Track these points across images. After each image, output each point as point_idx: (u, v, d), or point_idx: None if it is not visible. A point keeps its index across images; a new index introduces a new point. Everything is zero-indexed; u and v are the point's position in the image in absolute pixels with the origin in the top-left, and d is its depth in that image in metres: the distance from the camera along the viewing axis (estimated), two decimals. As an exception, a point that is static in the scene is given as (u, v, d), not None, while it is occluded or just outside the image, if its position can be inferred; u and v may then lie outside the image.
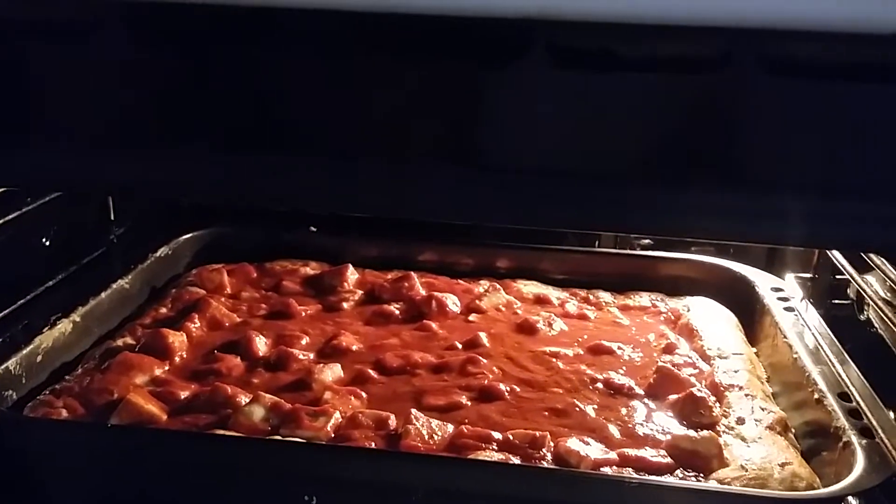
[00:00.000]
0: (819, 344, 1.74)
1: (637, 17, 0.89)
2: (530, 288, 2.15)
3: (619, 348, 1.86)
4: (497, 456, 1.44)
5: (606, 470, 1.42)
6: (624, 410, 1.62)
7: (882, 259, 1.73)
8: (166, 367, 1.74)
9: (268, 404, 1.55)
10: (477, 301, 2.05)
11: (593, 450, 1.46)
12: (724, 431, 1.54)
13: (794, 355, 1.72)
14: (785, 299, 1.97)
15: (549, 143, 1.00)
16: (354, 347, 1.84)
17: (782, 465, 1.42)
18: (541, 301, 2.10)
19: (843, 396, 1.54)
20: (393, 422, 1.53)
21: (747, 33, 0.89)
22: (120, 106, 1.08)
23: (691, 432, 1.51)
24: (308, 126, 1.04)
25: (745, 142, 0.98)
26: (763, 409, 1.60)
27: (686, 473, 1.43)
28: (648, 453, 1.47)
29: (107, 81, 1.06)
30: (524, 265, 2.25)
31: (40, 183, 1.66)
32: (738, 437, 1.52)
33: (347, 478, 1.36)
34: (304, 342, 1.86)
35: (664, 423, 1.58)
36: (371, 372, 1.73)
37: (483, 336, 1.88)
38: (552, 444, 1.47)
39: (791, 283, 2.06)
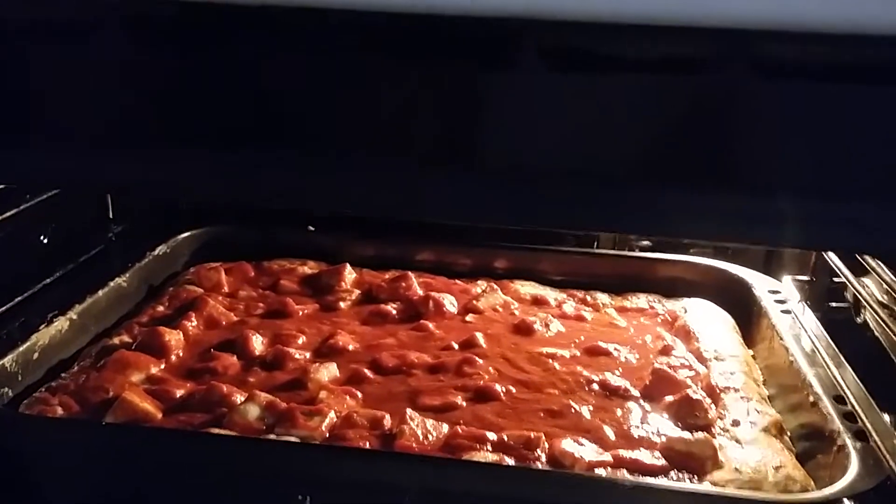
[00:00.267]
0: (815, 347, 1.74)
1: (636, 18, 0.89)
2: (528, 289, 2.15)
3: (616, 350, 1.86)
4: (491, 457, 1.43)
5: (601, 471, 1.42)
6: (619, 412, 1.62)
7: (878, 262, 1.73)
8: (162, 366, 1.74)
9: (263, 403, 1.55)
10: (474, 301, 2.05)
11: (588, 451, 1.46)
12: (719, 433, 1.54)
13: (791, 358, 1.72)
14: (782, 302, 1.97)
15: (547, 144, 1.00)
16: (351, 347, 1.84)
17: (777, 468, 1.42)
18: (538, 302, 2.10)
19: (839, 399, 1.54)
20: (388, 422, 1.53)
21: (744, 35, 0.89)
22: (119, 105, 1.08)
23: (686, 434, 1.51)
24: (306, 126, 1.04)
25: (742, 144, 0.98)
26: (758, 412, 1.60)
27: (680, 475, 1.42)
28: (643, 455, 1.46)
29: (106, 81, 1.06)
30: (522, 266, 2.25)
31: (39, 181, 1.67)
32: (733, 439, 1.52)
33: (342, 477, 1.37)
34: (300, 341, 1.86)
35: (659, 425, 1.58)
36: (367, 372, 1.73)
37: (479, 336, 1.87)
38: (547, 445, 1.47)
39: (788, 286, 2.06)
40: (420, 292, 2.07)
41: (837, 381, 1.60)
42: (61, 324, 1.79)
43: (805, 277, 2.06)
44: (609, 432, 1.54)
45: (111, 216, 2.24)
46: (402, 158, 1.04)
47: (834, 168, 0.96)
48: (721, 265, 2.18)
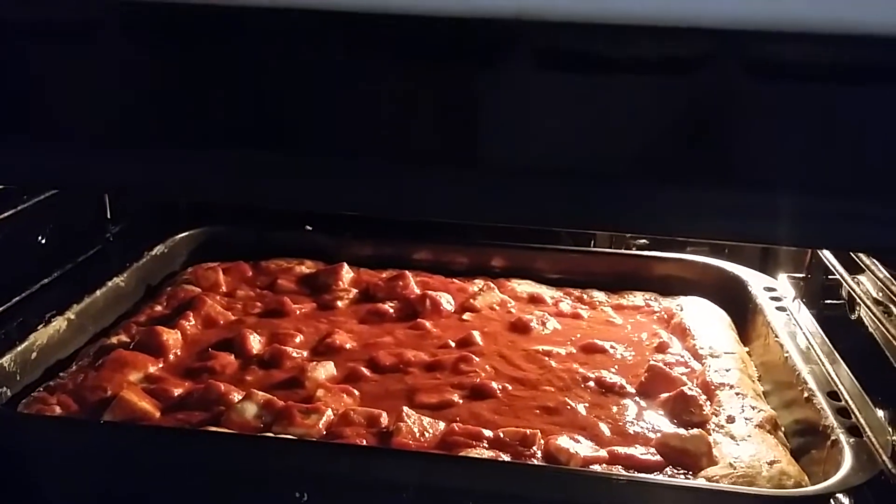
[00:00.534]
0: (810, 343, 1.75)
1: (631, 18, 0.89)
2: (524, 287, 2.16)
3: (612, 347, 1.87)
4: (487, 453, 1.44)
5: (596, 467, 1.43)
6: (615, 409, 1.63)
7: (873, 260, 1.74)
8: (160, 365, 1.75)
9: (260, 402, 1.56)
10: (471, 300, 2.06)
11: (583, 447, 1.47)
12: (714, 430, 1.55)
13: (785, 354, 1.73)
14: (777, 299, 1.98)
15: (544, 143, 1.01)
16: (348, 346, 1.85)
17: (771, 463, 1.42)
18: (535, 300, 2.10)
19: (833, 395, 1.55)
20: (385, 419, 1.54)
21: (739, 35, 0.90)
22: (118, 105, 1.08)
23: (681, 430, 1.52)
24: (305, 126, 1.04)
25: (737, 142, 0.98)
26: (753, 408, 1.61)
27: (675, 471, 1.43)
28: (638, 451, 1.47)
29: (104, 81, 1.07)
30: (519, 264, 2.26)
31: (38, 182, 1.68)
32: (728, 435, 1.53)
33: (339, 475, 1.37)
34: (298, 340, 1.87)
35: (655, 422, 1.59)
36: (364, 370, 1.74)
37: (476, 335, 1.88)
38: (542, 441, 1.47)
39: (784, 284, 2.07)
40: (417, 291, 2.08)
41: (832, 378, 1.61)
42: (59, 323, 1.80)
43: (800, 275, 2.06)
44: (604, 429, 1.55)
45: (109, 216, 2.25)
46: (401, 158, 1.04)
47: (828, 166, 0.96)
48: (717, 263, 2.19)
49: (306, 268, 2.22)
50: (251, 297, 2.09)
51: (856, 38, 0.86)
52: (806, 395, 1.58)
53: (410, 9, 0.91)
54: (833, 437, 1.43)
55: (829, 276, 1.96)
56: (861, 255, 1.78)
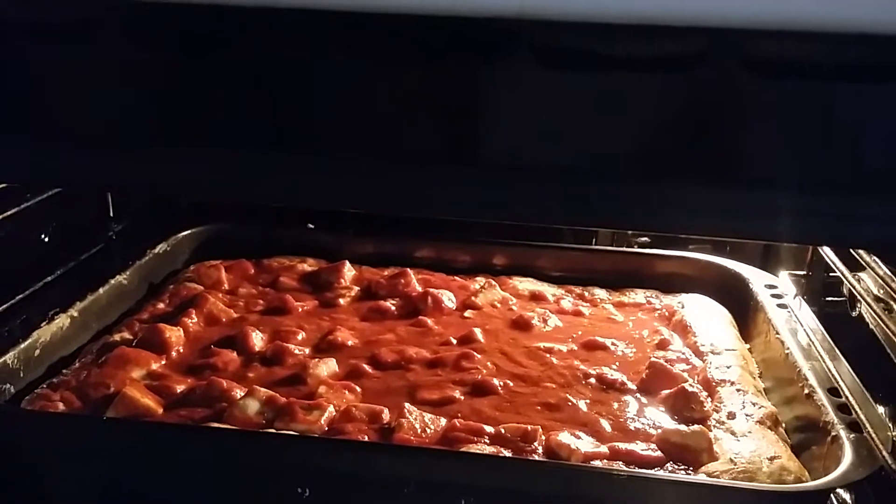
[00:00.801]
0: (811, 340, 1.75)
1: (631, 17, 0.90)
2: (526, 284, 2.17)
3: (613, 344, 1.87)
4: (489, 449, 1.45)
5: (597, 463, 1.43)
6: (616, 405, 1.64)
7: (873, 257, 1.74)
8: (163, 362, 1.76)
9: (262, 398, 1.56)
10: (472, 297, 2.06)
11: (584, 443, 1.48)
12: (714, 426, 1.56)
13: (786, 351, 1.73)
14: (779, 296, 1.98)
15: (545, 141, 1.01)
16: (350, 343, 1.85)
17: (771, 459, 1.43)
18: (536, 297, 2.11)
19: (833, 392, 1.55)
20: (386, 415, 1.55)
21: (739, 33, 0.90)
22: (119, 104, 1.09)
23: (682, 427, 1.52)
24: (306, 125, 1.05)
25: (737, 140, 0.99)
26: (754, 404, 1.61)
27: (676, 467, 1.44)
28: (639, 447, 1.48)
29: (105, 80, 1.07)
30: (521, 262, 2.26)
31: (40, 181, 1.69)
32: (729, 431, 1.54)
33: (340, 470, 1.38)
34: (300, 337, 1.87)
35: (656, 418, 1.59)
36: (366, 367, 1.74)
37: (478, 332, 1.89)
38: (543, 437, 1.48)
39: (785, 281, 2.07)
40: (419, 289, 2.08)
41: (832, 374, 1.61)
42: (62, 321, 1.80)
43: (801, 272, 2.06)
44: (605, 425, 1.56)
45: (112, 215, 2.26)
46: (403, 156, 1.05)
47: (826, 163, 0.97)
48: (718, 260, 2.20)
49: (308, 266, 2.23)
50: (253, 294, 2.10)
51: (856, 36, 0.86)
52: (806, 391, 1.58)
53: (411, 8, 0.92)
54: (833, 433, 1.44)
55: (830, 274, 1.96)
56: (862, 252, 1.78)
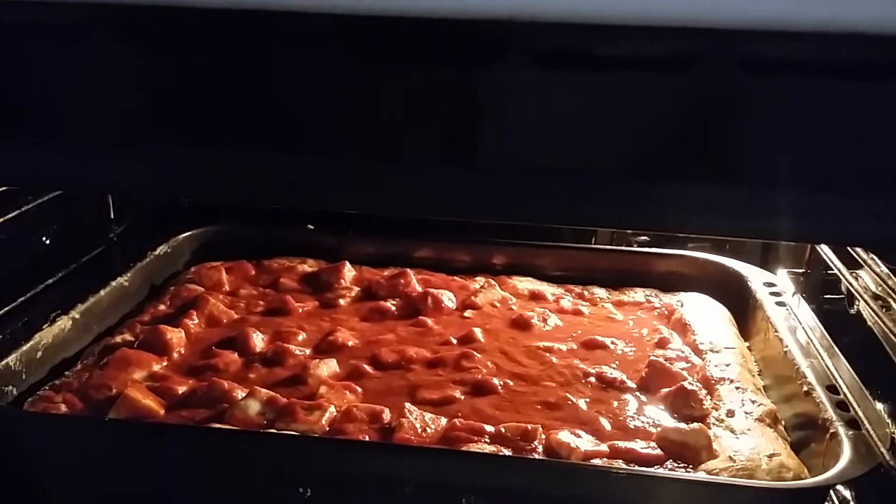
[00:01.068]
0: (810, 338, 1.76)
1: (629, 19, 0.90)
2: (525, 284, 2.17)
3: (613, 343, 1.88)
4: (489, 448, 1.45)
5: (597, 461, 1.44)
6: (616, 404, 1.64)
7: (871, 255, 1.75)
8: (164, 363, 1.76)
9: (263, 399, 1.57)
10: (472, 297, 2.06)
11: (584, 442, 1.48)
12: (714, 424, 1.56)
13: (785, 349, 1.74)
14: (777, 294, 1.98)
15: (543, 142, 1.02)
16: (350, 343, 1.86)
17: (770, 456, 1.43)
18: (536, 297, 2.12)
19: (832, 389, 1.56)
20: (387, 415, 1.55)
21: (735, 33, 0.90)
22: (119, 106, 1.09)
23: (681, 425, 1.53)
24: (305, 126, 1.05)
25: (735, 139, 0.99)
26: (753, 402, 1.62)
27: (675, 465, 1.44)
28: (638, 445, 1.48)
29: (106, 82, 1.08)
30: (520, 262, 2.27)
31: (40, 183, 1.69)
32: (728, 429, 1.54)
33: (341, 470, 1.38)
34: (300, 338, 1.88)
35: (655, 416, 1.60)
36: (366, 367, 1.75)
37: (478, 331, 1.89)
38: (543, 436, 1.49)
39: (784, 279, 2.08)
40: (419, 289, 2.09)
41: (830, 372, 1.62)
42: (64, 323, 1.81)
43: (800, 270, 2.07)
44: (605, 424, 1.56)
45: (112, 217, 2.27)
46: (405, 157, 1.05)
47: (825, 162, 0.97)
48: (717, 259, 2.20)
49: (308, 266, 2.24)
50: (254, 295, 2.10)
51: (855, 36, 0.87)
52: (805, 388, 1.59)
53: (407, 11, 0.92)
54: (832, 430, 1.44)
55: (829, 272, 1.96)
56: (859, 250, 1.79)
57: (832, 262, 1.88)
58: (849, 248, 1.83)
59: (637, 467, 1.42)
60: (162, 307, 2.02)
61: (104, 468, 1.43)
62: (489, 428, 1.50)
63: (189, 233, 2.31)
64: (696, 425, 1.50)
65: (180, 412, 1.58)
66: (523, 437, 1.48)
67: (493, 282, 2.15)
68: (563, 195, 1.05)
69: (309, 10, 0.94)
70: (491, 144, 1.03)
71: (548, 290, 2.15)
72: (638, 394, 1.68)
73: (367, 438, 1.49)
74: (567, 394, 1.65)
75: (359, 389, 1.66)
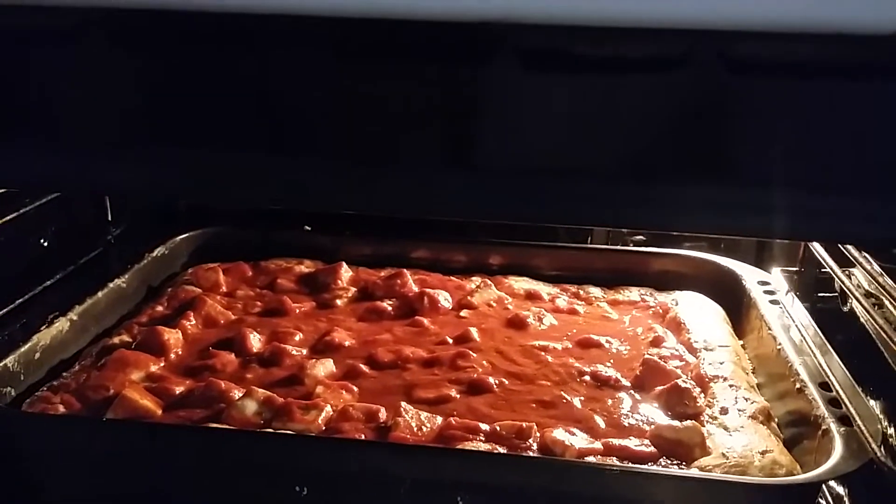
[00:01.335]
0: (803, 336, 1.77)
1: (624, 20, 0.91)
2: (521, 284, 2.18)
3: (608, 342, 1.89)
4: (484, 446, 1.46)
5: (591, 459, 1.44)
6: (610, 402, 1.65)
7: (864, 254, 1.76)
8: (162, 364, 1.77)
9: (260, 398, 1.58)
10: (468, 297, 2.07)
11: (578, 440, 1.49)
12: (707, 421, 1.57)
13: (778, 347, 1.75)
14: (771, 293, 1.99)
15: (539, 142, 1.02)
16: (347, 343, 1.87)
17: (763, 453, 1.44)
18: (531, 296, 2.12)
19: (824, 386, 1.57)
20: (383, 414, 1.56)
21: (726, 34, 0.91)
22: (117, 108, 1.09)
23: (675, 422, 1.54)
24: (301, 126, 1.06)
25: (729, 138, 1.00)
26: (747, 400, 1.63)
27: (669, 462, 1.45)
28: (632, 443, 1.49)
29: (104, 84, 1.08)
30: (516, 262, 2.28)
31: (38, 185, 1.69)
32: (721, 426, 1.55)
33: (337, 469, 1.39)
34: (297, 338, 1.88)
35: (649, 414, 1.61)
36: (363, 367, 1.76)
37: (474, 331, 1.90)
38: (538, 434, 1.50)
39: (777, 278, 2.09)
40: (415, 289, 2.10)
41: (823, 369, 1.63)
42: (62, 324, 1.81)
43: (794, 269, 2.08)
44: (599, 421, 1.57)
45: (110, 218, 2.28)
46: (402, 158, 1.06)
47: (818, 161, 0.98)
48: (711, 258, 2.21)
49: (305, 267, 2.24)
50: (251, 296, 2.11)
51: (847, 37, 0.87)
52: (798, 386, 1.60)
53: (403, 13, 0.93)
54: (824, 427, 1.45)
55: (822, 270, 1.98)
56: (852, 249, 1.80)
57: (825, 261, 1.89)
58: (841, 247, 1.84)
59: (631, 464, 1.43)
60: (159, 308, 2.02)
61: (102, 468, 1.44)
62: (484, 426, 1.51)
63: (186, 234, 2.32)
64: (689, 423, 1.51)
65: (178, 412, 1.59)
66: (518, 435, 1.49)
67: (489, 282, 2.16)
68: (560, 195, 1.06)
69: (305, 13, 0.95)
70: (487, 145, 1.04)
71: (544, 289, 2.16)
72: (632, 392, 1.69)
73: (363, 437, 1.50)
74: (562, 392, 1.66)
75: (355, 389, 1.67)
